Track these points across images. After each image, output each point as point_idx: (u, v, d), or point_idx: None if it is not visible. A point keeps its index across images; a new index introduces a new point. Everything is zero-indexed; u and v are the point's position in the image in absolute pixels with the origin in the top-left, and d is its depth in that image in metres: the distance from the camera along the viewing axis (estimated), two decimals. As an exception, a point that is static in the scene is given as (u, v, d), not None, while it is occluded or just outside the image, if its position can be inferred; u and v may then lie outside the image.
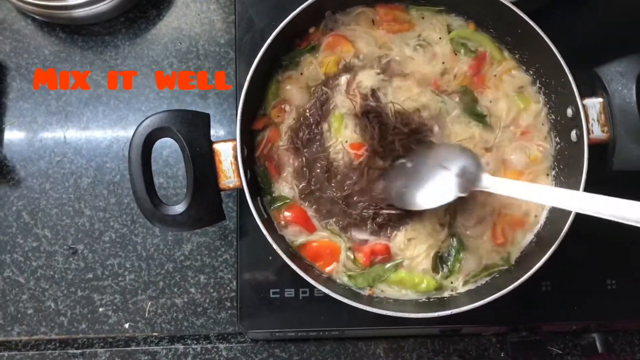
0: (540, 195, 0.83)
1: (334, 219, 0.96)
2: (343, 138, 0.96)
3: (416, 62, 1.01)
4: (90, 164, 1.13)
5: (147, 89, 1.16)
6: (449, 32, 1.03)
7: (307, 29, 1.02)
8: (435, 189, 0.89)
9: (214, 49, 1.18)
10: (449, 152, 0.93)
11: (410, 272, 0.95)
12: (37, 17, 1.16)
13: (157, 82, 1.16)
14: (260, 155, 0.98)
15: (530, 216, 0.98)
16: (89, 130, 1.14)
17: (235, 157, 0.88)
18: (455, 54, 1.02)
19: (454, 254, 0.95)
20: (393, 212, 0.93)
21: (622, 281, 1.02)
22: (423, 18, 1.04)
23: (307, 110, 0.98)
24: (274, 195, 0.97)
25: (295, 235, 0.96)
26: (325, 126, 0.97)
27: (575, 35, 1.07)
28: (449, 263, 0.95)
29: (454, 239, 0.96)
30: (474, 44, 1.03)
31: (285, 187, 0.97)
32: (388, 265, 0.95)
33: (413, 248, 0.95)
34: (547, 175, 0.99)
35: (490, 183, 0.85)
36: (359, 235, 0.96)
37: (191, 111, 0.87)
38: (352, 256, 0.95)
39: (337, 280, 0.95)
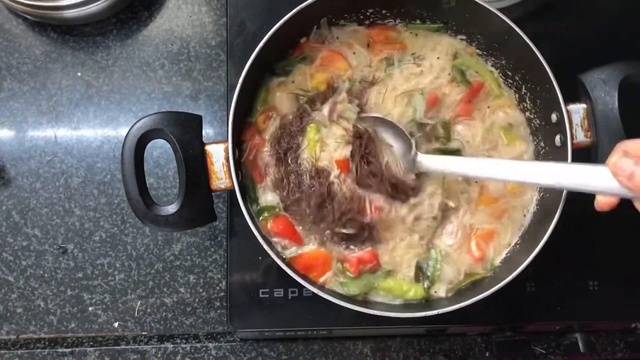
0: (475, 169, 0.87)
1: (313, 235, 0.97)
2: (325, 155, 0.97)
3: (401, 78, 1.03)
4: (80, 163, 1.13)
5: (138, 90, 1.16)
6: (454, 58, 1.04)
7: (299, 38, 1.03)
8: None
9: (205, 51, 1.18)
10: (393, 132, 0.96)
11: (397, 281, 0.96)
12: (28, 17, 1.16)
13: (148, 83, 1.17)
14: (245, 161, 0.99)
15: (505, 231, 0.99)
16: (80, 131, 1.15)
17: (227, 159, 0.89)
18: (452, 81, 1.03)
19: (432, 263, 0.97)
20: (344, 231, 0.94)
21: (604, 283, 1.04)
22: (416, 35, 1.05)
23: (289, 121, 0.99)
24: (260, 205, 0.98)
25: (286, 248, 0.97)
26: (301, 139, 0.97)
27: (559, 42, 1.09)
28: (429, 273, 0.97)
29: (433, 251, 0.97)
30: (473, 74, 1.04)
31: (270, 195, 0.98)
32: (378, 273, 0.96)
33: (397, 256, 0.97)
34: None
35: (426, 163, 0.92)
36: (336, 249, 0.97)
37: (184, 113, 0.88)
38: (341, 266, 0.96)
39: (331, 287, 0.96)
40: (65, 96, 1.16)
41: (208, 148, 0.90)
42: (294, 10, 0.94)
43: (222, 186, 0.89)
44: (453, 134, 1.01)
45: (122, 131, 1.14)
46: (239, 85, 0.90)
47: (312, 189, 0.94)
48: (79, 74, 1.17)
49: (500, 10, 0.95)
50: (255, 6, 1.11)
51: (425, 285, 0.96)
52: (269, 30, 0.94)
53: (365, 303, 0.93)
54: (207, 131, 1.14)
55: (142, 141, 0.86)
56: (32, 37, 1.18)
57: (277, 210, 0.97)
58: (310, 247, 0.97)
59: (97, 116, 1.15)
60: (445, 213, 0.98)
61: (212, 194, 0.90)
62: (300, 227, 0.97)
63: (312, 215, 0.95)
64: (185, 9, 1.21)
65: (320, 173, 0.95)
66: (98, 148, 1.14)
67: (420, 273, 0.97)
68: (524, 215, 1.00)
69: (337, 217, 0.93)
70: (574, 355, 1.06)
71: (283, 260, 0.90)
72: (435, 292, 0.97)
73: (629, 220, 1.05)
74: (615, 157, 0.71)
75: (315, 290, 0.87)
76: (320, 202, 0.94)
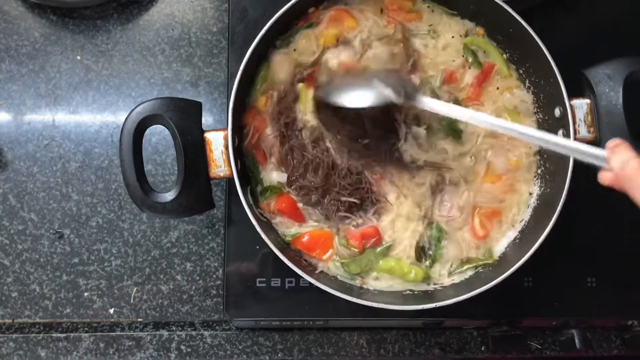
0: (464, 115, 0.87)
1: (318, 208, 0.97)
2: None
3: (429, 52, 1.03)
4: (78, 148, 1.12)
5: (137, 75, 1.15)
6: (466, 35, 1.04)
7: (306, 11, 1.02)
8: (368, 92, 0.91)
9: (206, 37, 1.17)
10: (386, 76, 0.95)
11: (399, 262, 0.96)
12: (28, -2, 1.15)
13: (148, 68, 1.15)
14: (248, 144, 0.98)
15: (509, 210, 1.00)
16: (78, 115, 1.13)
17: (226, 147, 0.88)
18: (466, 61, 1.03)
19: (434, 242, 0.97)
20: (351, 199, 0.96)
21: (602, 279, 1.04)
22: (433, 11, 1.04)
23: (284, 91, 0.99)
24: (264, 185, 0.98)
25: (287, 227, 0.97)
26: (298, 106, 0.99)
27: (565, 36, 1.08)
28: (430, 252, 0.97)
29: (434, 228, 0.97)
30: (483, 55, 1.03)
31: (274, 174, 0.98)
32: (379, 249, 0.96)
33: (398, 230, 0.97)
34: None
35: (426, 103, 0.89)
36: (341, 222, 0.97)
37: (183, 99, 0.87)
38: (345, 242, 0.96)
39: (330, 271, 0.96)
40: (64, 80, 1.15)
41: (207, 135, 0.89)
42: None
43: (221, 174, 0.89)
44: None
45: (121, 116, 1.13)
46: (239, 74, 0.90)
47: (317, 159, 0.96)
48: (79, 57, 1.15)
49: (506, 1, 0.94)
50: (257, -8, 1.10)
51: (428, 264, 0.97)
52: (270, 17, 0.93)
53: (363, 294, 0.93)
54: (207, 118, 1.13)
55: (141, 127, 0.85)
56: (32, 19, 1.16)
57: (280, 189, 0.98)
58: (312, 225, 0.97)
59: (95, 100, 1.14)
60: (440, 186, 0.99)
61: (211, 181, 0.90)
62: (302, 204, 0.98)
63: (319, 187, 0.96)
64: (186, -7, 1.20)
65: (317, 141, 0.97)
66: (96, 133, 1.13)
67: (421, 252, 0.97)
68: (529, 194, 1.00)
69: (343, 186, 0.95)
70: (569, 351, 1.06)
71: (281, 248, 0.89)
72: (439, 275, 0.97)
73: (628, 218, 1.07)
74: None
75: (312, 280, 0.87)
76: (327, 172, 0.95)
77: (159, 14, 1.18)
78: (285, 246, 0.96)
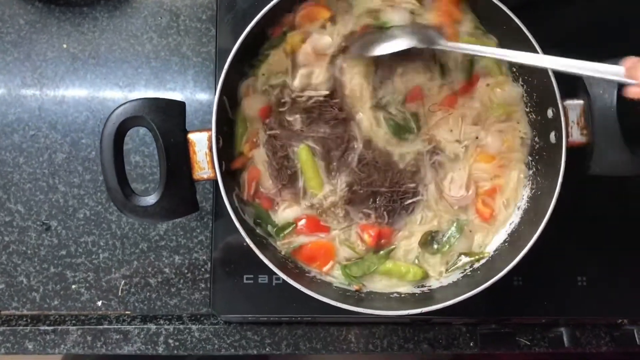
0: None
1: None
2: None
3: None
4: (65, 139, 1.10)
5: (125, 64, 1.13)
6: None
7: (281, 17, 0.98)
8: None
9: (195, 25, 1.14)
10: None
11: (396, 264, 0.95)
12: (12, -16, 1.12)
13: (135, 57, 1.13)
14: (247, 197, 0.96)
15: (507, 185, 0.99)
16: (65, 105, 1.11)
17: (210, 148, 0.86)
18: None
19: (448, 235, 0.97)
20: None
21: (592, 278, 1.03)
22: None
23: (274, 147, 0.97)
24: (278, 225, 0.97)
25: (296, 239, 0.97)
26: (296, 161, 0.97)
27: (558, 35, 1.04)
28: (438, 246, 0.97)
29: (455, 225, 0.97)
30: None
31: (288, 212, 0.96)
32: (381, 252, 0.96)
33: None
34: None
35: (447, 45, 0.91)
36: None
37: (165, 100, 0.85)
38: (359, 235, 0.96)
39: (325, 277, 0.96)
40: (50, 68, 1.12)
41: (191, 136, 0.87)
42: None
43: (205, 176, 0.87)
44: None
45: (108, 106, 1.11)
46: (223, 74, 0.87)
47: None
48: (65, 45, 1.13)
49: (499, -4, 0.91)
50: (245, -18, 1.07)
51: (433, 250, 0.97)
52: (258, 9, 0.90)
53: (358, 301, 0.92)
54: (195, 111, 1.11)
55: (122, 129, 0.83)
56: (17, 6, 1.14)
57: (294, 225, 0.96)
58: (333, 234, 0.97)
59: (82, 90, 1.12)
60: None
61: (195, 183, 0.88)
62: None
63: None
64: (175, -20, 1.16)
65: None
66: (83, 123, 1.11)
67: (430, 240, 0.97)
68: (525, 165, 0.99)
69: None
70: (558, 348, 1.06)
71: (278, 259, 0.91)
72: (438, 272, 0.97)
73: (619, 218, 1.05)
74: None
75: (298, 286, 0.86)
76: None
77: (147, 1, 1.15)
78: (277, 254, 0.95)
